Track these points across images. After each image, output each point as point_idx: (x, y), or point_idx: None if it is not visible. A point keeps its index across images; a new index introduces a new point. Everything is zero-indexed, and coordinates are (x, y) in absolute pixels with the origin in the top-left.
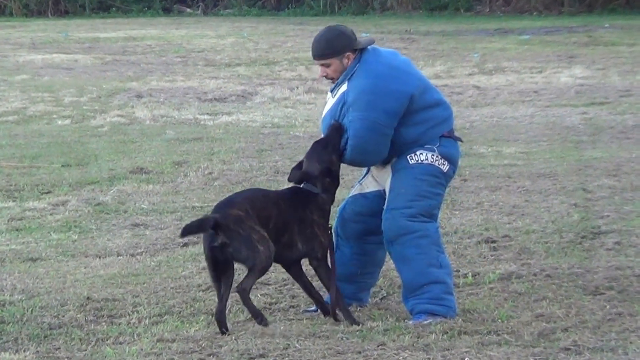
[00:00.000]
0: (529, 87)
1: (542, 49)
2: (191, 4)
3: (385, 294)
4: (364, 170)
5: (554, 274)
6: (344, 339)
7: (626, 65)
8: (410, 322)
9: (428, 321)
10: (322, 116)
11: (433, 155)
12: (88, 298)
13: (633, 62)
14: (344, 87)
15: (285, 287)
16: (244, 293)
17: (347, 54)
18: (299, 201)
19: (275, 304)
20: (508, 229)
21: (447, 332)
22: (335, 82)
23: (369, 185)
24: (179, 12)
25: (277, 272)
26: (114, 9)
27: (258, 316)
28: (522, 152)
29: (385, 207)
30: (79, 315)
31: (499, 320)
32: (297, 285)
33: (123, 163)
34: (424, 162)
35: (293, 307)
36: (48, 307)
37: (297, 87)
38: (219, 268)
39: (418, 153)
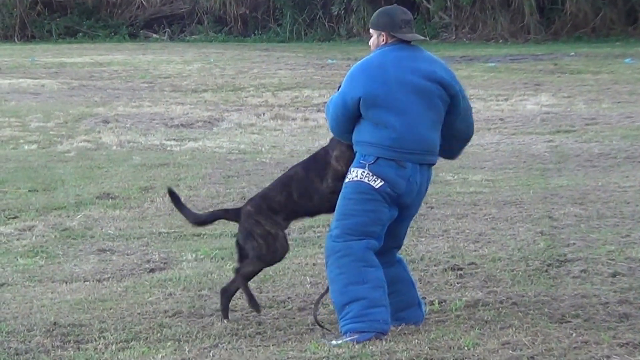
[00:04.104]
0: (495, 114)
1: (508, 76)
2: (157, 29)
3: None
4: None
5: (520, 301)
6: None
7: (592, 94)
8: (333, 342)
9: (353, 338)
10: None
11: (363, 171)
12: (55, 323)
13: (598, 90)
14: None
15: (252, 313)
16: (239, 278)
17: (384, 33)
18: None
19: (242, 329)
20: (474, 257)
21: (414, 359)
22: None
23: None
24: (145, 37)
25: (242, 300)
26: (80, 34)
27: (251, 303)
28: (488, 179)
29: None
30: (45, 341)
31: (465, 348)
32: (263, 312)
33: (90, 188)
34: (353, 179)
35: (259, 333)
36: (14, 332)
37: (264, 114)
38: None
39: (352, 170)
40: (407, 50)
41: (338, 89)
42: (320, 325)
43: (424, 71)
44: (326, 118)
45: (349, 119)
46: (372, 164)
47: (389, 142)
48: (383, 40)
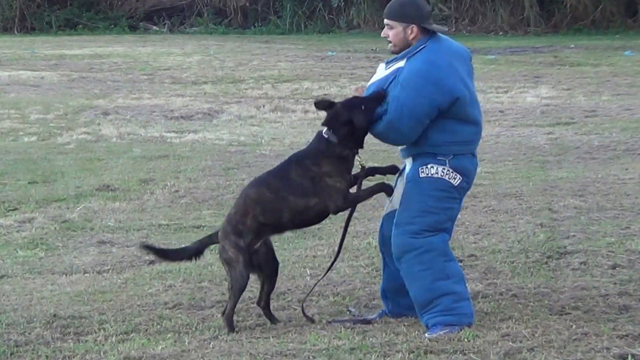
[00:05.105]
0: (495, 107)
1: (508, 68)
2: (157, 21)
3: (354, 312)
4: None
5: (520, 293)
6: (311, 357)
7: (591, 86)
8: (426, 334)
9: (445, 331)
10: (369, 83)
11: (444, 169)
12: (54, 315)
13: (598, 83)
14: (401, 63)
15: (252, 305)
16: (225, 318)
17: (413, 26)
18: (307, 164)
19: (242, 321)
20: (474, 249)
21: (414, 351)
22: (393, 49)
23: (398, 202)
24: (145, 29)
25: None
26: (80, 26)
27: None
28: (488, 172)
29: (394, 221)
30: (45, 333)
31: (465, 340)
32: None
33: (89, 180)
34: (433, 175)
35: (259, 325)
36: (14, 324)
37: (264, 106)
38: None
39: (429, 166)
40: (444, 39)
41: (376, 101)
42: (307, 316)
43: (465, 53)
44: (381, 131)
45: (429, 122)
46: (452, 158)
47: (474, 136)
48: (411, 32)
